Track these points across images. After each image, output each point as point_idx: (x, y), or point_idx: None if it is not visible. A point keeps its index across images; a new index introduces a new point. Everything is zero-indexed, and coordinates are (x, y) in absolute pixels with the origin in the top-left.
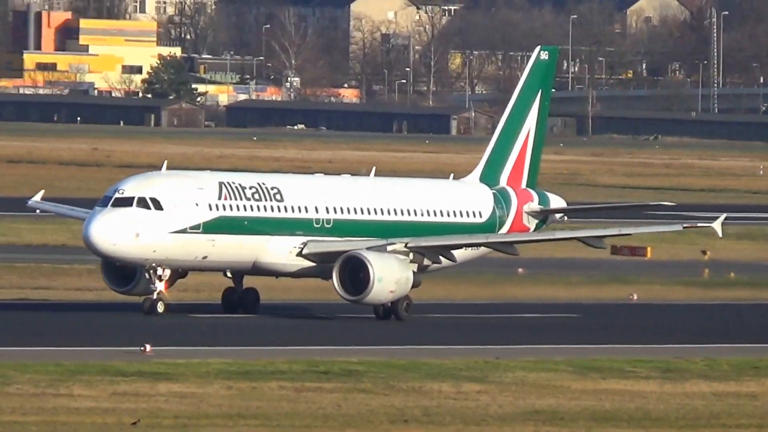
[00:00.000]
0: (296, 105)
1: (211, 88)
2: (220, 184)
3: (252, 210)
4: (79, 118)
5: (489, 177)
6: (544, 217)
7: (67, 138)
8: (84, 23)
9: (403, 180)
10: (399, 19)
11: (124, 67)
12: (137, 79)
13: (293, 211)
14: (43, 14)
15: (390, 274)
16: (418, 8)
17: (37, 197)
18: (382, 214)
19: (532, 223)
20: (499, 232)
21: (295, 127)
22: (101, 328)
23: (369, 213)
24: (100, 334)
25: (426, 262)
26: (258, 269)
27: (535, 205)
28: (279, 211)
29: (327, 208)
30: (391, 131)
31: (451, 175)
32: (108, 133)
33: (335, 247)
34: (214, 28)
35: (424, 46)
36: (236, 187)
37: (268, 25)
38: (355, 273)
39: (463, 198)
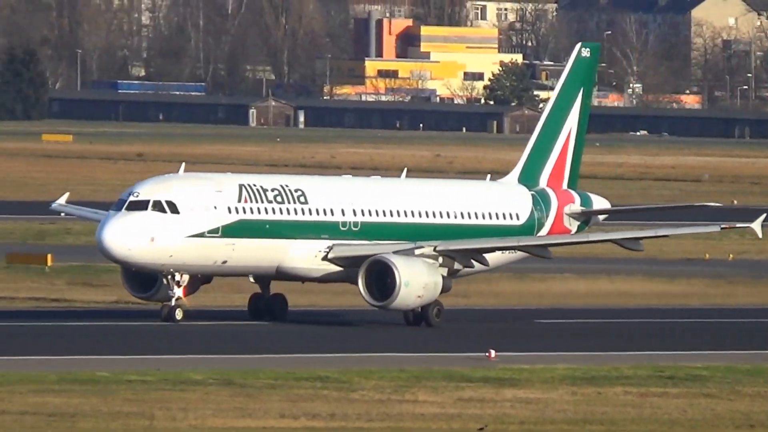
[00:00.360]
0: (638, 111)
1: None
2: (240, 186)
3: (274, 213)
4: (421, 125)
5: (528, 178)
6: (586, 218)
7: (409, 145)
8: (425, 30)
9: (436, 181)
10: (740, 25)
11: (465, 74)
12: (479, 86)
13: (318, 213)
14: (384, 22)
15: (417, 279)
16: (759, 14)
17: (61, 200)
18: (412, 216)
19: (573, 225)
20: (538, 235)
21: (638, 134)
22: (443, 334)
23: (398, 215)
24: (443, 341)
25: (457, 266)
26: (282, 274)
27: (576, 206)
28: (303, 213)
29: (354, 211)
30: (733, 137)
31: (488, 176)
32: (450, 139)
33: (361, 250)
34: (555, 35)
35: (766, 52)
36: (257, 190)
37: (610, 32)
38: (382, 278)
39: (500, 199)
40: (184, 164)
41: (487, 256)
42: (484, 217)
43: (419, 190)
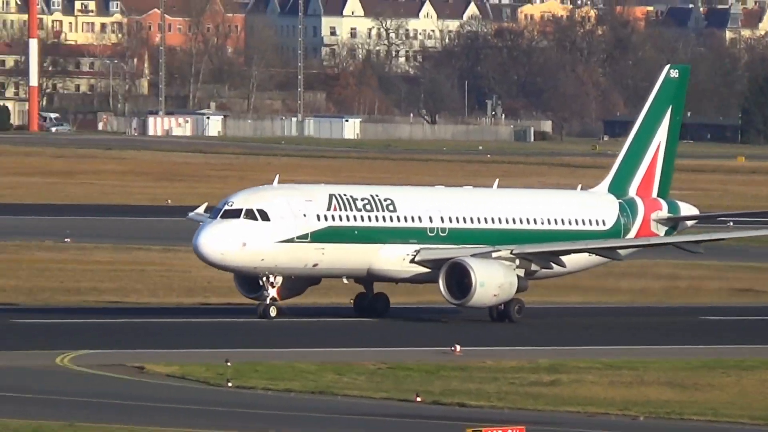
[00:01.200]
0: None
1: None
2: (330, 196)
3: (362, 220)
4: None
5: (617, 187)
6: (673, 224)
7: None
8: None
9: (523, 190)
10: None
11: None
12: None
13: (405, 220)
14: None
15: (493, 279)
16: None
17: (200, 209)
18: (497, 222)
19: (661, 230)
20: (625, 239)
21: None
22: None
23: (483, 222)
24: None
25: (534, 267)
26: (373, 275)
27: (663, 213)
28: (391, 220)
29: (441, 218)
30: None
31: (579, 185)
32: None
33: (443, 254)
34: None
35: None
36: (347, 199)
37: None
38: (460, 278)
39: (586, 207)
40: (278, 176)
41: (570, 258)
42: (569, 223)
43: (505, 199)
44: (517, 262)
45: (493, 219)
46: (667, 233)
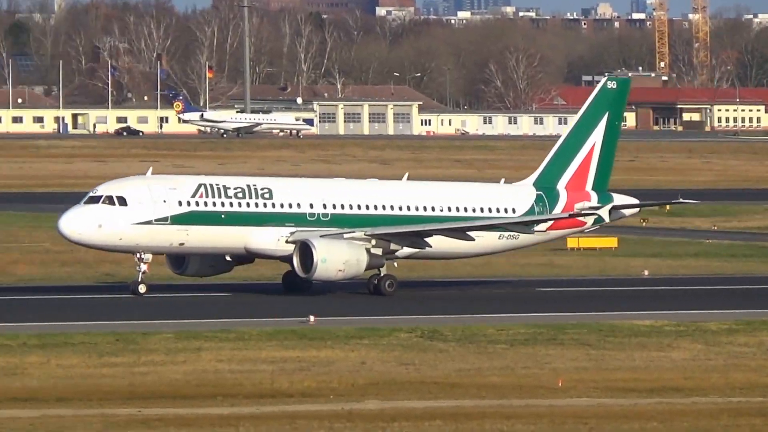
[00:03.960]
0: None
1: None
2: (200, 185)
3: (232, 206)
4: None
5: (544, 181)
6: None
7: None
8: None
9: (434, 182)
10: None
11: None
12: None
13: (282, 206)
14: None
15: (336, 256)
16: None
17: None
18: (380, 209)
19: (588, 219)
20: (538, 226)
21: None
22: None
23: (365, 209)
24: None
25: (395, 247)
26: (252, 254)
27: (590, 203)
28: (265, 206)
29: (324, 205)
30: None
31: (502, 180)
32: None
33: (308, 235)
34: None
35: None
36: (218, 188)
37: None
38: (307, 256)
39: (497, 197)
40: (151, 168)
41: (478, 240)
42: (472, 210)
43: (399, 189)
44: (373, 242)
45: (376, 206)
46: (596, 221)
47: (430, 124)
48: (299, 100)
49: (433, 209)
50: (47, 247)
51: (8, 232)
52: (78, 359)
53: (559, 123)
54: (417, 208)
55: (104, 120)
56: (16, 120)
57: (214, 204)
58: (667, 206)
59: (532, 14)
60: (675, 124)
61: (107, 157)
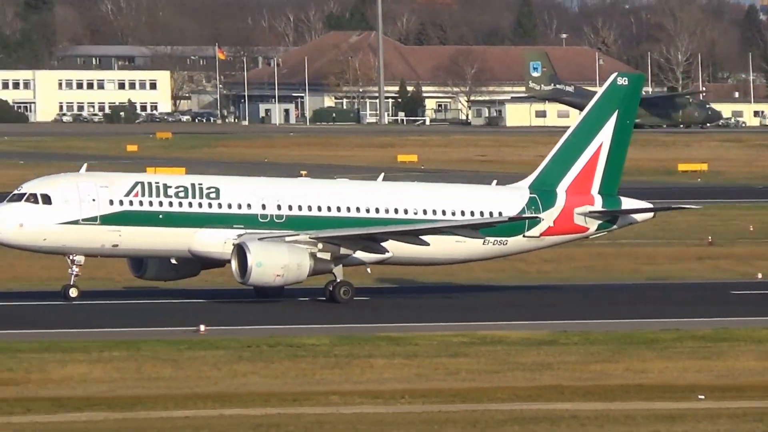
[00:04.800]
0: None
1: None
2: (136, 183)
3: (171, 206)
4: None
5: (542, 183)
6: (610, 218)
7: None
8: None
9: (410, 184)
10: None
11: None
12: None
13: (229, 207)
14: None
15: (273, 260)
16: None
17: None
18: (340, 211)
19: (591, 223)
20: (530, 231)
21: None
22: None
23: (325, 210)
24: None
25: (345, 251)
26: (197, 257)
27: (592, 207)
28: (210, 207)
29: (279, 206)
30: None
31: (494, 181)
32: None
33: (253, 238)
34: None
35: None
36: (156, 187)
37: None
38: (243, 259)
39: (481, 200)
40: (86, 164)
41: (457, 247)
42: (448, 213)
43: (367, 191)
44: (320, 246)
45: (339, 208)
46: (602, 226)
47: None
48: None
49: (396, 212)
50: None
51: None
52: None
53: None
54: (380, 211)
55: None
56: None
57: (151, 203)
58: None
59: None
60: None
61: None
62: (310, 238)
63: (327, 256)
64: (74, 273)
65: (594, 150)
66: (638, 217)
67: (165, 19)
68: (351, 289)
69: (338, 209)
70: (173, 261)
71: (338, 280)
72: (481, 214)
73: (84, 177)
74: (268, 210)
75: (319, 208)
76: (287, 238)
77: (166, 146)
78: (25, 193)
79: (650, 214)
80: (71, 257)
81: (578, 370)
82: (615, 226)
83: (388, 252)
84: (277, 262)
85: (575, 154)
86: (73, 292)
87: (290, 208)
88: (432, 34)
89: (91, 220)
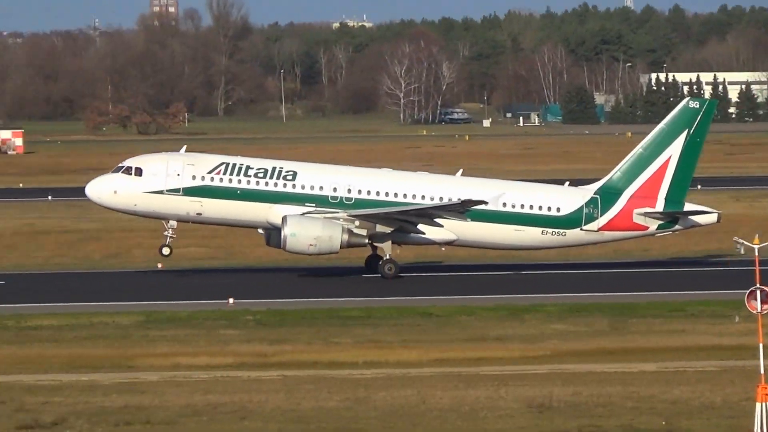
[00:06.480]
0: None
1: None
2: (222, 163)
3: (249, 183)
4: None
5: (612, 187)
6: (671, 219)
7: None
8: None
9: (473, 179)
10: None
11: None
12: None
13: (303, 188)
14: None
15: (307, 232)
16: None
17: None
18: (395, 197)
19: (651, 223)
20: (587, 226)
21: None
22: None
23: (386, 195)
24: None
25: (382, 229)
26: (276, 227)
27: (649, 210)
28: (284, 187)
29: (349, 189)
30: None
31: (566, 182)
32: None
33: (311, 215)
34: None
35: None
36: (239, 167)
37: None
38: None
39: (545, 198)
40: (185, 146)
41: (518, 234)
42: (511, 207)
43: (427, 181)
44: (357, 223)
45: (396, 194)
46: (662, 226)
47: None
48: None
49: (441, 200)
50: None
51: None
52: None
53: None
54: (434, 198)
55: None
56: None
57: (230, 181)
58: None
59: None
60: None
61: None
62: (348, 215)
63: (363, 232)
64: (169, 235)
65: (662, 162)
66: (701, 220)
67: None
68: (395, 266)
69: (395, 195)
70: (260, 231)
71: (385, 258)
72: (539, 208)
73: (176, 156)
74: (338, 192)
75: (377, 194)
76: (327, 215)
77: None
78: (123, 166)
79: (714, 218)
80: (167, 222)
81: None
82: (678, 226)
83: (453, 235)
84: (310, 233)
85: (645, 164)
86: (165, 251)
87: (359, 192)
88: None
89: (175, 191)
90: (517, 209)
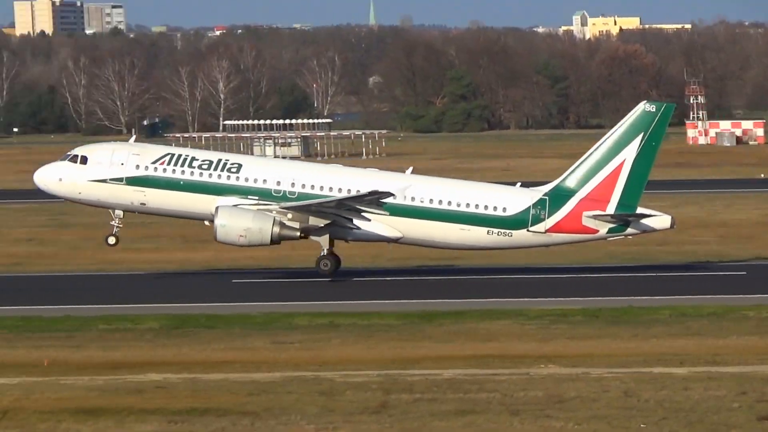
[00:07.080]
0: None
1: None
2: (166, 154)
3: (192, 175)
4: None
5: (563, 188)
6: (622, 222)
7: None
8: None
9: (433, 178)
10: None
11: None
12: None
13: (246, 181)
14: None
15: (236, 223)
16: None
17: None
18: (339, 192)
19: (601, 226)
20: (534, 227)
21: None
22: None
23: (329, 191)
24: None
25: (315, 222)
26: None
27: (599, 213)
28: (228, 179)
29: (293, 184)
30: None
31: (518, 183)
32: None
33: (246, 207)
34: None
35: None
36: (184, 158)
37: None
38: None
39: (492, 198)
40: (134, 136)
41: (462, 234)
42: (440, 203)
43: (376, 177)
44: (289, 215)
45: (339, 189)
46: (614, 230)
47: None
48: None
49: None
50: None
51: None
52: None
53: None
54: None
55: None
56: None
57: (173, 171)
58: None
59: None
60: None
61: None
62: (281, 207)
63: (296, 224)
64: (115, 224)
65: (616, 165)
66: (655, 225)
67: None
68: (330, 263)
69: (339, 190)
70: (206, 223)
71: (321, 254)
72: (485, 207)
73: (123, 145)
74: (282, 186)
75: (322, 188)
76: (259, 207)
77: None
78: (71, 154)
79: (668, 224)
80: (113, 212)
81: None
82: (631, 230)
83: (397, 232)
84: (240, 224)
85: (598, 167)
86: (110, 240)
87: (303, 186)
88: None
89: (117, 180)
90: (463, 208)
